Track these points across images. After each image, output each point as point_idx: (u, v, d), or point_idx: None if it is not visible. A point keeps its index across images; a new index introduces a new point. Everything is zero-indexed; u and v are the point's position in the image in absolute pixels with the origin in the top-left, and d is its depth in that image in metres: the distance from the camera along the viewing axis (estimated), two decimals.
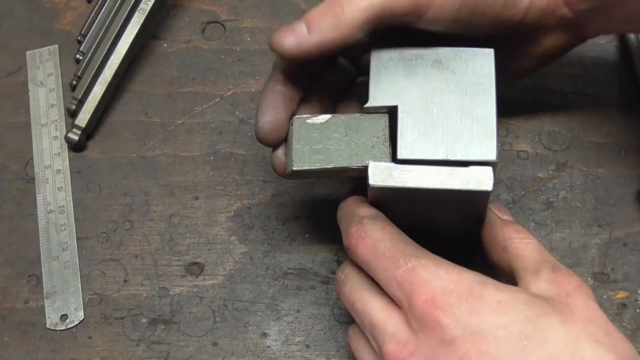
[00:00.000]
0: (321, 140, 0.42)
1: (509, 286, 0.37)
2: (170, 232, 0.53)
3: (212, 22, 0.61)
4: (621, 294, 0.49)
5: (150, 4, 0.57)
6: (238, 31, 0.60)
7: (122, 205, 0.54)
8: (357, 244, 0.40)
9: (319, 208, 0.53)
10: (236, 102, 0.57)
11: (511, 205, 0.52)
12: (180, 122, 0.57)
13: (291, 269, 0.51)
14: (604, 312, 0.48)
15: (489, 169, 0.40)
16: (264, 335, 0.49)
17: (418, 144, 0.41)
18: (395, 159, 0.41)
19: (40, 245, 0.53)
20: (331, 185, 0.53)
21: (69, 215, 0.53)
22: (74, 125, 0.55)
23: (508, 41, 0.44)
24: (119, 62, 0.57)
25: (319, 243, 0.52)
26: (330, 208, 0.53)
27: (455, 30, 0.42)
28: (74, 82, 0.57)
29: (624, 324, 0.48)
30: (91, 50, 0.57)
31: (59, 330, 0.50)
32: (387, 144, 0.42)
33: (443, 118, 0.41)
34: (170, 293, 0.51)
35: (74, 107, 0.56)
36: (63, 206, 0.54)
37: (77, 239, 0.53)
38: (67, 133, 0.55)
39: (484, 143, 0.40)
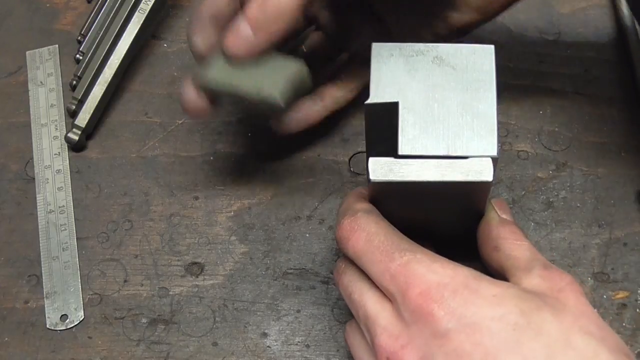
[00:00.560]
0: (238, 65, 0.44)
1: (503, 281, 0.37)
2: (170, 232, 0.53)
3: None
4: (621, 294, 0.49)
5: (150, 4, 0.57)
6: None
7: (122, 205, 0.54)
8: (350, 236, 0.40)
9: (319, 208, 0.53)
10: (236, 102, 0.57)
11: (511, 205, 0.52)
12: (180, 122, 0.57)
13: (291, 269, 0.51)
14: (604, 312, 0.48)
15: (489, 159, 0.40)
16: (264, 335, 0.49)
17: (419, 140, 0.41)
18: (396, 155, 0.41)
19: (40, 245, 0.53)
20: (331, 186, 0.53)
21: (69, 215, 0.53)
22: (74, 125, 0.55)
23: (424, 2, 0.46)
24: (119, 62, 0.57)
25: (319, 243, 0.52)
26: (330, 208, 0.53)
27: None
28: (74, 82, 0.57)
29: (624, 324, 0.48)
30: (91, 50, 0.57)
31: (59, 330, 0.50)
32: (289, 84, 0.44)
33: (444, 114, 0.41)
34: (170, 293, 0.51)
35: (74, 107, 0.56)
36: (63, 206, 0.54)
37: (77, 239, 0.53)
38: (67, 133, 0.55)
39: (485, 139, 0.40)
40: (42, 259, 0.52)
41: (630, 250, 0.50)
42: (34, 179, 0.55)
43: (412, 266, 0.37)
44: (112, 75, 0.56)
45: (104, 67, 0.57)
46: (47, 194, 0.54)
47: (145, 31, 0.58)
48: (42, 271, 0.52)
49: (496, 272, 0.41)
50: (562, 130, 0.54)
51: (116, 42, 0.57)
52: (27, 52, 0.60)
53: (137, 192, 0.54)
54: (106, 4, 0.59)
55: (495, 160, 0.40)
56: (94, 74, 0.57)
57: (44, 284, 0.51)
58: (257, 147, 0.55)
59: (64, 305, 0.51)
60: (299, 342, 0.49)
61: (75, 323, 0.50)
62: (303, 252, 0.51)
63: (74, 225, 0.53)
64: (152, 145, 0.56)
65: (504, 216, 0.43)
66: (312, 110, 0.52)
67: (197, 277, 0.51)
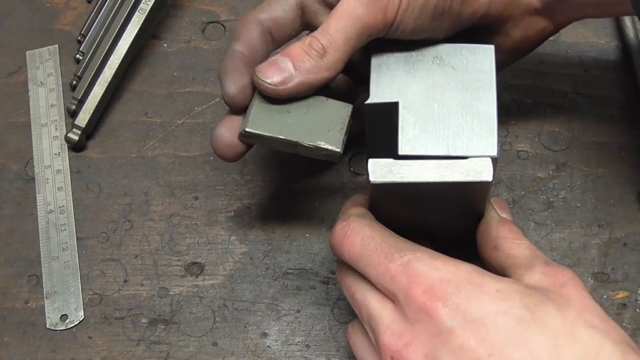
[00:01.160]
0: (281, 110, 0.43)
1: (505, 277, 0.38)
2: (170, 232, 0.53)
3: (212, 22, 0.61)
4: (621, 294, 0.49)
5: (150, 4, 0.57)
6: None
7: (122, 205, 0.54)
8: (343, 241, 0.40)
9: (319, 208, 0.53)
10: None
11: (511, 205, 0.52)
12: (180, 122, 0.57)
13: (291, 269, 0.51)
14: (604, 312, 0.48)
15: (488, 159, 0.40)
16: (264, 335, 0.49)
17: (419, 140, 0.41)
18: (396, 155, 0.41)
19: (40, 245, 0.53)
20: (331, 185, 0.53)
21: (69, 215, 0.53)
22: (74, 125, 0.55)
23: (476, 35, 0.45)
24: (119, 62, 0.57)
25: (319, 243, 0.52)
26: (330, 208, 0.53)
27: (423, 35, 0.43)
28: (74, 82, 0.57)
29: (624, 324, 0.48)
30: (91, 50, 0.57)
31: (59, 330, 0.50)
32: (343, 132, 0.42)
33: (444, 114, 0.41)
34: (170, 293, 0.51)
35: (74, 107, 0.56)
36: (63, 206, 0.54)
37: (77, 239, 0.53)
38: (67, 133, 0.55)
39: (485, 139, 0.40)
40: (42, 259, 0.52)
41: (630, 250, 0.50)
42: (34, 179, 0.55)
43: (413, 265, 0.37)
44: (112, 75, 0.56)
45: (104, 67, 0.57)
46: (47, 194, 0.54)
47: (145, 31, 0.58)
48: (42, 271, 0.52)
49: (497, 272, 0.41)
50: (562, 130, 0.54)
51: (116, 42, 0.57)
52: (27, 52, 0.60)
53: (137, 192, 0.54)
54: (106, 4, 0.59)
55: (495, 160, 0.40)
56: (94, 74, 0.56)
57: (44, 284, 0.51)
58: (257, 147, 0.55)
59: (64, 305, 0.51)
60: (299, 342, 0.49)
61: (75, 323, 0.50)
62: (303, 252, 0.51)
63: (74, 225, 0.53)
64: (152, 145, 0.56)
65: (503, 215, 0.43)
66: None
67: (197, 277, 0.51)
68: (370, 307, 0.39)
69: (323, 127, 0.42)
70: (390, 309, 0.38)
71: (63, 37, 0.60)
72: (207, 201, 0.54)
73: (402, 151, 0.41)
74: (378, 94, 0.42)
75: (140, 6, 0.57)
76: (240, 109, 0.44)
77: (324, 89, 0.43)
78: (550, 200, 0.52)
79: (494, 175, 0.40)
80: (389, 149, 0.42)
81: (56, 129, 0.57)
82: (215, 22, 0.61)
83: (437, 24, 0.42)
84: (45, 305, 0.51)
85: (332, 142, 0.42)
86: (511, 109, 0.55)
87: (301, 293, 0.50)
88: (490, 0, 0.43)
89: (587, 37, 0.58)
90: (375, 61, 0.43)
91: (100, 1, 0.60)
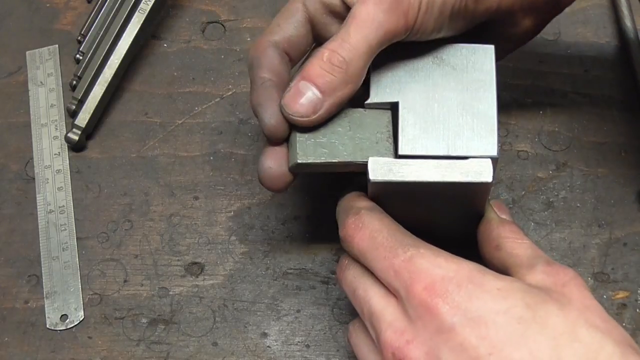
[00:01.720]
0: (325, 134, 0.42)
1: (507, 276, 0.38)
2: (170, 232, 0.53)
3: (212, 22, 0.61)
4: (621, 294, 0.49)
5: (150, 4, 0.57)
6: (238, 31, 0.60)
7: (122, 205, 0.54)
8: (354, 234, 0.40)
9: (319, 208, 0.53)
10: (236, 102, 0.57)
11: (511, 205, 0.52)
12: (180, 122, 0.57)
13: (291, 269, 0.51)
14: (606, 312, 0.48)
15: (488, 160, 0.40)
16: (264, 335, 0.49)
17: (419, 140, 0.41)
18: (396, 155, 0.41)
19: (40, 245, 0.53)
20: (331, 185, 0.53)
21: (68, 215, 0.53)
22: (74, 125, 0.55)
23: (486, 29, 0.45)
24: (119, 62, 0.57)
25: (319, 243, 0.52)
26: (330, 208, 0.53)
27: (439, 35, 0.43)
28: (74, 82, 0.57)
29: (624, 324, 0.48)
30: (91, 50, 0.57)
31: (59, 330, 0.50)
32: (391, 140, 0.42)
33: (444, 114, 0.41)
34: (170, 293, 0.51)
35: (74, 107, 0.56)
36: (63, 206, 0.54)
37: (77, 239, 0.53)
38: (67, 133, 0.55)
39: (485, 139, 0.40)
40: (42, 259, 0.52)
41: (630, 250, 0.50)
42: (34, 179, 0.55)
43: (415, 261, 0.37)
44: (112, 75, 0.56)
45: (104, 67, 0.57)
46: (47, 194, 0.54)
47: (145, 31, 0.58)
48: (42, 271, 0.52)
49: (498, 271, 0.41)
50: (562, 130, 0.54)
51: (116, 42, 0.57)
52: (27, 52, 0.60)
53: (137, 192, 0.54)
54: (106, 4, 0.59)
55: (495, 160, 0.40)
56: (94, 74, 0.56)
57: (44, 284, 0.51)
58: (258, 147, 0.55)
59: (64, 305, 0.51)
60: (299, 342, 0.49)
61: (75, 323, 0.50)
62: (303, 252, 0.51)
63: (74, 225, 0.53)
64: (152, 145, 0.56)
65: (503, 216, 0.43)
66: None
67: (197, 277, 0.51)
68: (372, 303, 0.39)
69: (371, 140, 0.42)
70: (393, 305, 0.38)
71: (63, 37, 0.60)
72: (207, 201, 0.54)
73: (402, 151, 0.41)
74: (378, 93, 0.42)
75: (140, 6, 0.57)
76: (280, 141, 0.42)
77: None
78: (550, 200, 0.52)
79: (494, 176, 0.40)
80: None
81: (56, 129, 0.57)
82: (215, 22, 0.61)
83: (454, 24, 0.42)
84: (45, 305, 0.51)
85: (383, 153, 0.42)
86: (511, 109, 0.55)
87: (301, 293, 0.50)
88: None
89: (587, 37, 0.58)
90: (376, 61, 0.43)
91: (100, 1, 0.60)
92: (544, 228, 0.51)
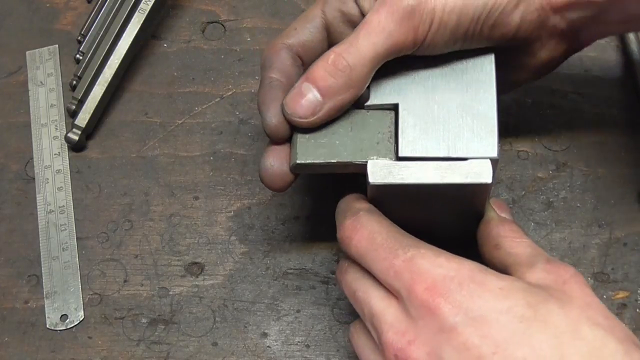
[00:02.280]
0: (326, 134, 0.42)
1: (508, 275, 0.38)
2: (170, 232, 0.53)
3: (212, 22, 0.61)
4: (621, 294, 0.49)
5: (150, 4, 0.57)
6: (238, 31, 0.60)
7: (122, 205, 0.54)
8: (353, 235, 0.40)
9: (319, 208, 0.53)
10: (236, 102, 0.57)
11: (511, 205, 0.52)
12: (180, 122, 0.57)
13: (291, 269, 0.51)
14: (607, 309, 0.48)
15: (488, 161, 0.40)
16: (264, 335, 0.49)
17: (419, 141, 0.41)
18: (397, 157, 0.41)
19: (40, 245, 0.53)
20: (331, 186, 0.53)
21: (69, 215, 0.53)
22: (74, 125, 0.55)
23: (502, 54, 0.44)
24: (119, 62, 0.57)
25: (319, 243, 0.52)
26: (330, 208, 0.52)
27: (451, 51, 0.42)
28: (74, 82, 0.57)
29: (624, 324, 0.48)
30: (91, 50, 0.57)
31: (59, 330, 0.50)
32: (392, 140, 0.42)
33: (444, 115, 0.41)
34: (170, 293, 0.51)
35: (74, 107, 0.56)
36: (63, 206, 0.54)
37: (77, 239, 0.53)
38: (67, 133, 0.55)
39: (485, 140, 0.40)
40: (42, 259, 0.52)
41: (630, 250, 0.50)
42: (34, 179, 0.55)
43: (416, 261, 0.37)
44: (112, 75, 0.56)
45: (104, 67, 0.57)
46: (47, 194, 0.54)
47: (145, 31, 0.58)
48: (42, 271, 0.52)
49: (499, 270, 0.41)
50: (562, 130, 0.54)
51: (116, 42, 0.57)
52: (27, 52, 0.60)
53: (137, 192, 0.54)
54: (106, 4, 0.59)
55: (495, 161, 0.40)
56: (94, 74, 0.56)
57: (44, 284, 0.51)
58: (257, 148, 0.55)
59: (64, 305, 0.51)
60: (299, 342, 0.49)
61: (75, 323, 0.50)
62: (303, 252, 0.51)
63: (74, 225, 0.53)
64: (152, 145, 0.56)
65: (503, 215, 0.43)
66: None
67: (197, 277, 0.51)
68: (372, 305, 0.39)
69: (372, 140, 0.42)
70: (394, 306, 0.38)
71: (63, 37, 0.60)
72: (207, 201, 0.54)
73: (402, 153, 0.41)
74: (378, 95, 0.42)
75: (140, 6, 0.57)
76: (282, 140, 0.43)
77: None
78: (550, 200, 0.52)
79: (493, 177, 0.40)
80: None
81: (56, 129, 0.57)
82: (215, 22, 0.61)
83: (466, 45, 0.42)
84: (45, 305, 0.51)
85: (384, 154, 0.41)
86: (511, 109, 0.55)
87: (301, 293, 0.50)
88: (519, 25, 0.42)
89: None
90: None
91: (100, 1, 0.60)
92: (544, 228, 0.51)
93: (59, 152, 0.56)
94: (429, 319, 0.36)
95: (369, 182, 0.40)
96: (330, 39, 0.44)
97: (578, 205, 0.52)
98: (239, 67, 0.58)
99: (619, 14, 0.43)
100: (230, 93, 0.58)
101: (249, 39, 0.59)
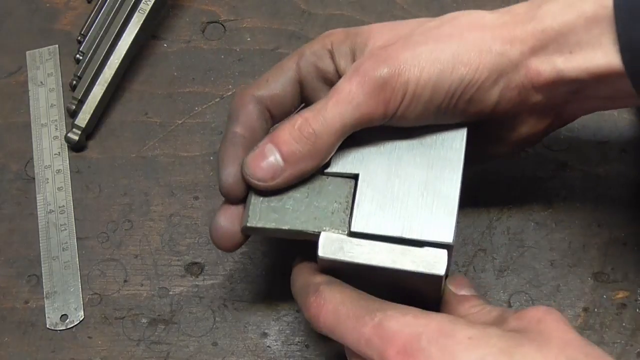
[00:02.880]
0: (281, 198, 0.40)
1: (480, 324, 0.36)
2: (170, 232, 0.53)
3: (212, 22, 0.61)
4: (621, 294, 0.49)
5: (150, 4, 0.57)
6: (238, 31, 0.60)
7: (122, 205, 0.54)
8: (319, 313, 0.38)
9: None
10: None
11: (511, 205, 0.52)
12: (180, 122, 0.57)
13: (291, 269, 0.51)
14: (604, 312, 0.48)
15: (444, 252, 0.38)
16: (264, 335, 0.49)
17: (374, 217, 0.39)
18: (349, 231, 0.39)
19: (40, 245, 0.53)
20: None
21: (68, 215, 0.53)
22: (74, 125, 0.55)
23: (481, 126, 0.43)
24: (119, 62, 0.57)
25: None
26: None
27: (424, 124, 0.41)
28: (74, 82, 0.57)
29: (623, 324, 0.48)
30: (91, 50, 0.57)
31: (59, 330, 0.50)
32: (348, 212, 0.40)
33: (404, 192, 0.39)
34: (170, 293, 0.51)
35: (74, 107, 0.56)
36: (63, 206, 0.54)
37: (77, 238, 0.53)
38: (67, 133, 0.55)
39: (442, 223, 0.39)
40: (42, 259, 0.52)
41: (630, 250, 0.50)
42: (34, 178, 0.55)
43: (384, 325, 0.36)
44: (112, 75, 0.56)
45: (104, 67, 0.57)
46: (47, 193, 0.54)
47: (145, 31, 0.58)
48: (42, 271, 0.52)
49: None
50: (562, 130, 0.54)
51: (116, 42, 0.57)
52: (27, 52, 0.60)
53: (137, 192, 0.54)
54: (106, 4, 0.59)
55: (450, 248, 0.38)
56: (94, 74, 0.56)
57: (44, 284, 0.51)
58: None
59: (64, 305, 0.51)
60: (298, 342, 0.49)
61: (75, 323, 0.50)
62: None
63: (74, 225, 0.53)
64: (152, 145, 0.56)
65: (463, 292, 0.42)
66: None
67: (197, 277, 0.51)
68: None
69: (327, 209, 0.40)
70: None
71: (63, 37, 0.60)
72: (207, 201, 0.54)
73: (354, 227, 0.39)
74: (339, 162, 0.41)
75: (140, 6, 0.57)
76: (236, 201, 0.42)
77: None
78: (551, 200, 0.52)
79: (447, 268, 0.38)
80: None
81: (56, 129, 0.57)
82: (216, 22, 0.61)
83: (440, 119, 0.41)
84: (45, 305, 0.51)
85: (337, 225, 0.40)
86: None
87: None
88: (497, 101, 0.40)
89: None
90: None
91: (100, 1, 0.60)
92: (544, 228, 0.51)
93: (59, 152, 0.56)
94: None
95: (318, 255, 0.39)
96: (303, 94, 0.44)
97: (578, 205, 0.52)
98: (239, 67, 0.58)
99: (604, 90, 0.41)
100: (230, 93, 0.58)
101: (249, 39, 0.59)
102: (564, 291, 0.49)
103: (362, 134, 0.41)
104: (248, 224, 0.40)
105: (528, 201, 0.52)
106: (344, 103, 0.39)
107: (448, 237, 0.38)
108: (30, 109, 0.58)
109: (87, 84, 0.56)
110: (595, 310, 0.48)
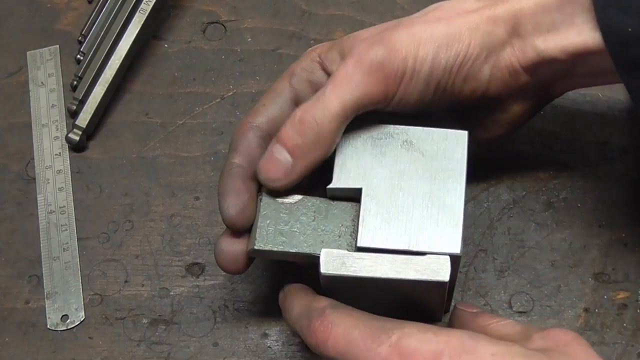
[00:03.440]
0: (288, 221, 0.41)
1: (503, 341, 0.35)
2: (171, 233, 0.53)
3: (213, 23, 0.61)
4: (622, 295, 0.49)
5: (151, 4, 0.57)
6: (239, 31, 0.60)
7: (122, 205, 0.54)
8: (327, 337, 0.37)
9: None
10: (237, 103, 0.57)
11: (512, 206, 0.52)
12: (181, 122, 0.57)
13: (291, 269, 0.51)
14: (605, 312, 0.48)
15: (447, 258, 0.38)
16: (265, 335, 0.49)
17: (380, 231, 0.39)
18: (355, 247, 0.39)
19: (41, 245, 0.53)
20: None
21: (69, 216, 0.53)
22: (74, 126, 0.55)
23: (475, 112, 0.44)
24: (120, 62, 0.57)
25: None
26: None
27: (422, 109, 0.41)
28: (75, 82, 0.57)
29: (624, 325, 0.48)
30: (92, 51, 0.57)
31: (60, 330, 0.50)
32: (355, 235, 0.40)
33: (408, 205, 0.39)
34: (171, 293, 0.51)
35: (74, 107, 0.56)
36: (64, 206, 0.54)
37: (77, 239, 0.53)
38: (67, 133, 0.55)
39: (449, 234, 0.38)
40: (42, 259, 0.52)
41: (631, 251, 0.50)
42: (34, 179, 0.55)
43: (403, 343, 0.35)
44: (112, 76, 0.56)
45: (105, 67, 0.57)
46: (48, 194, 0.54)
47: (146, 31, 0.58)
48: (43, 271, 0.52)
49: None
50: (562, 130, 0.54)
51: (117, 42, 0.57)
52: (28, 53, 0.60)
53: (137, 192, 0.54)
54: (107, 4, 0.59)
55: (457, 258, 0.38)
56: (95, 74, 0.57)
57: (44, 284, 0.51)
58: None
59: (65, 305, 0.51)
60: (299, 342, 0.49)
61: (76, 323, 0.50)
62: None
63: (74, 226, 0.53)
64: (153, 145, 0.56)
65: (474, 310, 0.42)
66: None
67: (197, 277, 0.51)
68: None
69: (334, 233, 0.40)
70: None
71: (64, 38, 0.60)
72: (207, 201, 0.54)
73: (360, 243, 0.39)
74: (342, 178, 0.40)
75: (141, 6, 0.57)
76: (240, 231, 0.42)
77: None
78: (551, 200, 0.52)
79: (454, 274, 0.38)
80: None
81: (57, 129, 0.57)
82: (216, 22, 0.61)
83: (438, 100, 0.41)
84: (46, 306, 0.51)
85: (345, 248, 0.40)
86: None
87: None
88: (489, 80, 0.42)
89: None
90: (341, 142, 0.41)
91: (101, 1, 0.60)
92: (544, 228, 0.51)
93: (60, 153, 0.56)
94: None
95: (320, 272, 0.38)
96: None
97: (579, 205, 0.52)
98: (240, 67, 0.58)
99: (584, 70, 0.42)
100: (231, 93, 0.58)
101: (249, 40, 0.59)
102: (565, 292, 0.49)
103: (363, 148, 0.41)
104: (255, 247, 0.41)
105: (529, 201, 0.52)
106: (342, 85, 0.39)
107: (455, 248, 0.38)
108: (31, 110, 0.58)
109: (87, 84, 0.56)
110: (596, 310, 0.48)
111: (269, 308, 0.50)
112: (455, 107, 0.43)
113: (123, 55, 0.57)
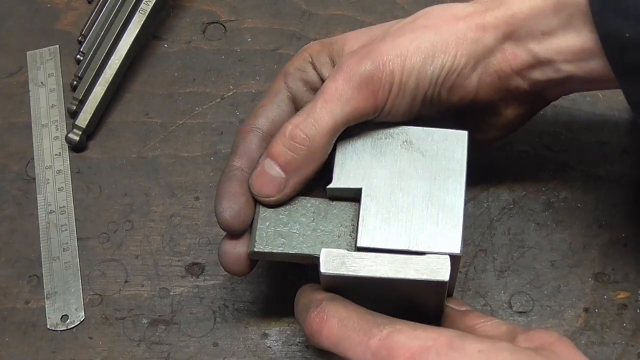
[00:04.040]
0: (287, 222, 0.41)
1: (489, 338, 0.36)
2: (171, 233, 0.53)
3: (213, 23, 0.61)
4: (622, 295, 0.49)
5: (151, 4, 0.57)
6: (239, 31, 0.60)
7: (122, 205, 0.54)
8: (321, 328, 0.37)
9: None
10: (237, 103, 0.57)
11: (512, 206, 0.52)
12: (180, 122, 0.57)
13: (292, 269, 0.51)
14: (605, 312, 0.48)
15: (447, 257, 0.38)
16: (265, 335, 0.49)
17: (380, 231, 0.39)
18: (355, 247, 0.39)
19: (41, 245, 0.53)
20: None
21: (69, 216, 0.53)
22: (74, 126, 0.55)
23: (469, 116, 0.44)
24: (120, 62, 0.57)
25: None
26: None
27: (411, 117, 0.42)
28: (75, 82, 0.57)
29: (624, 325, 0.48)
30: (92, 51, 0.57)
31: (60, 330, 0.50)
32: (355, 235, 0.40)
33: (408, 205, 0.39)
34: (171, 293, 0.51)
35: (74, 107, 0.56)
36: (64, 206, 0.54)
37: (77, 239, 0.53)
38: (67, 133, 0.55)
39: (449, 234, 0.39)
40: (42, 260, 0.52)
41: (630, 251, 0.50)
42: (34, 179, 0.55)
43: (392, 337, 0.35)
44: (112, 76, 0.56)
45: (105, 67, 0.57)
46: (48, 194, 0.54)
47: (145, 31, 0.58)
48: (43, 271, 0.52)
49: None
50: (562, 130, 0.54)
51: (117, 42, 0.57)
52: (28, 53, 0.60)
53: (137, 192, 0.54)
54: (107, 4, 0.59)
55: (457, 258, 0.38)
56: (95, 74, 0.57)
57: (44, 284, 0.51)
58: None
59: (65, 305, 0.51)
60: (299, 342, 0.49)
61: (76, 323, 0.50)
62: None
63: (74, 226, 0.53)
64: (153, 145, 0.56)
65: (463, 308, 0.42)
66: None
67: (197, 277, 0.51)
68: None
69: (333, 233, 0.41)
70: None
71: (64, 38, 0.60)
72: (207, 201, 0.54)
73: (360, 243, 0.39)
74: (341, 178, 0.41)
75: (140, 6, 0.57)
76: (237, 234, 0.42)
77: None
78: (551, 200, 0.52)
79: (454, 274, 0.38)
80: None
81: (57, 129, 0.57)
82: (216, 22, 0.61)
83: (427, 110, 0.42)
84: (46, 306, 0.51)
85: (344, 248, 0.40)
86: None
87: None
88: (477, 88, 0.42)
89: None
90: (341, 142, 0.41)
91: (101, 2, 0.60)
92: (544, 228, 0.51)
93: (60, 153, 0.56)
94: None
95: (320, 272, 0.38)
96: (299, 109, 0.43)
97: (578, 205, 0.52)
98: (240, 67, 0.58)
99: (580, 74, 0.42)
100: (230, 93, 0.58)
101: (249, 40, 0.59)
102: (565, 292, 0.49)
103: (363, 148, 0.41)
104: (255, 249, 0.41)
105: (528, 202, 0.52)
106: (332, 101, 0.39)
107: (455, 248, 0.38)
108: (31, 110, 0.58)
109: (87, 84, 0.56)
110: (596, 310, 0.49)
111: (269, 308, 0.50)
112: (446, 113, 0.43)
113: (123, 55, 0.57)
